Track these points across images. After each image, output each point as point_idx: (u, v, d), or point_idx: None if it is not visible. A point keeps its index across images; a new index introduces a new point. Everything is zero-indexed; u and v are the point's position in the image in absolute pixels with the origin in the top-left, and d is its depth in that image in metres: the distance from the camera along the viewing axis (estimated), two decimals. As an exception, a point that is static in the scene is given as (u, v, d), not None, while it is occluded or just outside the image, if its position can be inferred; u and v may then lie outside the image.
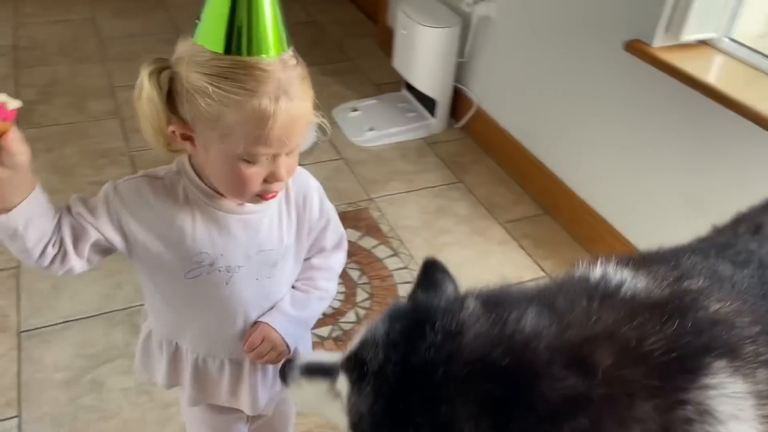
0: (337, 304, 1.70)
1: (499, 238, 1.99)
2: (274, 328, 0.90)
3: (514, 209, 2.12)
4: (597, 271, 0.67)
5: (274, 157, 0.75)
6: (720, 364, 0.56)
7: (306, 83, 0.76)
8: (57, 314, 1.61)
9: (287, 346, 0.91)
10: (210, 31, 0.72)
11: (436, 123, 2.45)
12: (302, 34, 3.14)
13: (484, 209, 2.10)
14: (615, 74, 1.78)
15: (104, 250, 0.83)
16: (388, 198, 2.12)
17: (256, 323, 0.90)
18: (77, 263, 0.80)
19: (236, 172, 0.75)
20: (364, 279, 1.79)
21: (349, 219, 2.00)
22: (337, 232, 0.98)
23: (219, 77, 0.71)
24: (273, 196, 0.81)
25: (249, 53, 0.71)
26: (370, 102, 2.57)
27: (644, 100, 1.71)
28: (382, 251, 1.89)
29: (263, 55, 0.71)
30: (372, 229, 1.97)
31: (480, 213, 2.09)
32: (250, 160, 0.74)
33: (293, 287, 0.94)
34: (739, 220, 0.90)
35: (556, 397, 0.55)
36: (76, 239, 0.79)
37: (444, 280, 0.75)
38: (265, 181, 0.77)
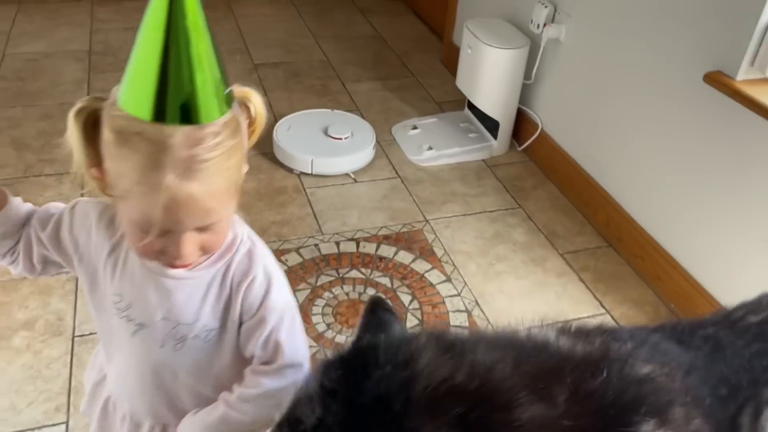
0: (386, 329, 1.67)
1: (557, 270, 1.91)
2: None
3: (575, 239, 2.04)
4: (522, 329, 0.63)
5: (171, 232, 0.70)
6: (647, 426, 0.52)
7: (225, 160, 0.68)
8: (110, 321, 1.63)
9: None
10: (126, 85, 0.66)
11: (497, 145, 2.39)
12: (366, 48, 3.13)
13: (544, 237, 2.03)
14: (691, 106, 1.68)
15: (53, 262, 0.86)
16: (444, 220, 2.07)
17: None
18: (27, 272, 0.86)
19: (134, 236, 0.72)
20: (415, 304, 1.75)
21: (402, 240, 1.96)
22: (275, 346, 0.81)
23: (121, 137, 0.67)
24: (183, 267, 0.76)
25: (151, 118, 0.64)
26: (431, 120, 2.53)
27: (723, 135, 1.61)
28: (435, 276, 1.85)
29: (166, 124, 0.64)
30: (426, 252, 1.93)
31: (539, 241, 2.02)
32: (143, 230, 0.69)
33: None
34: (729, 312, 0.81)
35: (531, 424, 0.50)
36: (26, 251, 0.84)
37: (391, 321, 0.65)
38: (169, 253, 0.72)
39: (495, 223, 2.08)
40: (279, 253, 1.87)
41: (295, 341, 0.83)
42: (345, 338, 1.64)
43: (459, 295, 1.80)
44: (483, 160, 2.38)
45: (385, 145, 2.40)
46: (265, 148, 2.29)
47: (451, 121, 2.53)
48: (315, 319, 1.68)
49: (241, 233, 0.83)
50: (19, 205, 0.84)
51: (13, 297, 1.66)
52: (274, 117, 2.46)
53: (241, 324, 0.82)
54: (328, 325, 1.67)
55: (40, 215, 0.85)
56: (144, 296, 0.80)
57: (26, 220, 0.85)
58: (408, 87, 2.82)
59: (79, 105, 0.71)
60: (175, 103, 0.64)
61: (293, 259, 1.86)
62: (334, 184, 2.18)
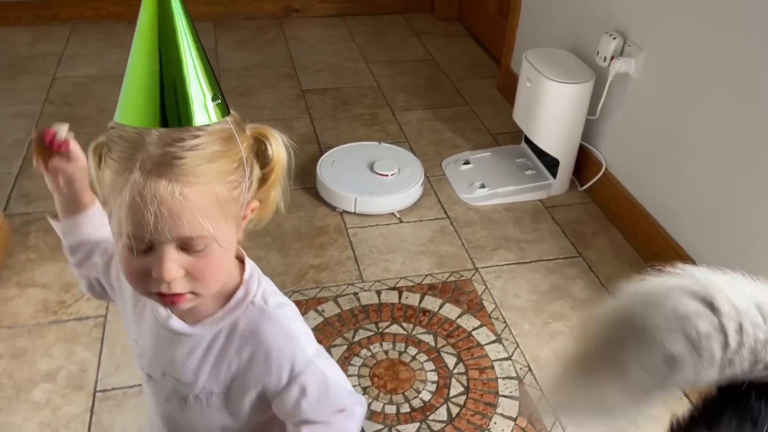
0: (427, 396, 1.52)
1: (621, 332, 1.72)
2: None
3: (642, 296, 1.84)
4: None
5: (152, 249, 0.65)
6: None
7: (203, 162, 0.64)
8: (134, 376, 1.53)
9: None
10: (120, 99, 0.65)
11: (556, 184, 2.21)
12: (419, 73, 3.00)
13: (606, 293, 1.84)
14: (784, 158, 1.48)
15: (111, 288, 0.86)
16: (495, 269, 1.91)
17: None
18: (88, 291, 0.90)
19: (123, 260, 0.68)
20: (461, 368, 1.60)
21: (449, 291, 1.81)
22: (328, 404, 0.76)
23: (107, 147, 0.66)
24: (174, 301, 0.68)
25: (127, 121, 0.63)
26: (485, 154, 2.37)
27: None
28: (483, 335, 1.69)
29: (140, 125, 0.63)
30: (474, 306, 1.77)
31: (601, 297, 1.83)
32: (128, 246, 0.64)
33: None
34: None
35: None
36: (86, 270, 0.88)
37: None
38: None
39: (552, 275, 1.90)
40: (316, 302, 1.75)
41: (329, 394, 0.76)
42: (382, 405, 1.50)
43: (510, 358, 1.63)
44: (540, 201, 2.20)
45: (434, 181, 2.25)
46: (307, 183, 2.18)
47: (506, 155, 2.36)
48: (350, 380, 1.54)
49: (254, 291, 0.75)
50: (96, 225, 0.86)
51: (38, 344, 1.60)
52: (320, 149, 2.35)
53: (272, 396, 0.75)
54: (365, 389, 1.53)
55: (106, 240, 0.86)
56: (151, 346, 0.78)
57: (96, 244, 0.86)
58: (461, 116, 2.66)
59: (99, 139, 0.69)
60: (157, 107, 0.62)
61: (330, 309, 1.74)
62: (378, 224, 2.04)
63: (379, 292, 1.80)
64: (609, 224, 2.11)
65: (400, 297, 1.79)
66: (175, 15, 0.62)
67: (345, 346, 1.63)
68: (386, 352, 1.63)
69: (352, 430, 0.77)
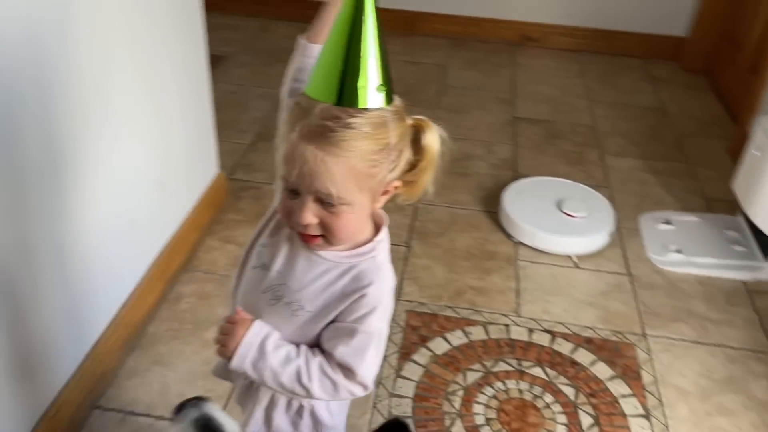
0: (549, 449, 1.45)
1: (800, 451, 1.47)
2: (249, 329, 0.85)
3: (841, 420, 1.55)
4: None
5: (299, 195, 0.78)
6: None
7: (351, 140, 0.75)
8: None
9: (233, 353, 0.85)
10: (311, 75, 0.79)
11: (767, 268, 1.95)
12: (642, 120, 2.83)
13: (794, 403, 1.59)
14: None
15: None
16: (666, 341, 1.75)
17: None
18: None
19: (281, 197, 0.83)
20: (596, 431, 1.49)
21: (607, 350, 1.70)
22: (349, 354, 0.84)
23: (294, 107, 0.80)
24: (308, 240, 0.82)
25: (312, 94, 0.77)
26: (691, 218, 2.17)
27: None
28: (631, 405, 1.56)
29: (319, 99, 0.76)
30: (630, 373, 1.64)
31: (786, 406, 1.58)
32: (282, 186, 0.80)
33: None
34: None
35: None
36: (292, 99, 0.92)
37: None
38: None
39: (733, 364, 1.69)
40: (465, 323, 1.76)
41: (367, 360, 0.85)
42: (500, 441, 1.46)
43: (653, 438, 1.49)
44: (743, 282, 1.96)
45: (625, 234, 2.12)
46: (491, 207, 2.19)
47: (716, 224, 2.14)
48: (476, 408, 1.53)
49: (380, 257, 0.87)
50: None
51: (222, 292, 1.82)
52: (514, 177, 2.34)
53: (332, 321, 0.86)
54: (488, 421, 1.51)
55: None
56: (277, 245, 0.89)
57: None
58: (677, 173, 2.47)
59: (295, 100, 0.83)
60: (336, 88, 0.75)
61: (477, 333, 1.73)
62: (552, 263, 1.98)
63: (531, 331, 1.75)
64: (824, 328, 1.81)
65: (552, 341, 1.72)
66: (366, 14, 0.75)
67: (481, 374, 1.62)
68: (521, 391, 1.58)
69: (342, 393, 0.86)
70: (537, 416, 1.53)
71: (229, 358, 0.85)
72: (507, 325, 1.76)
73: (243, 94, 2.84)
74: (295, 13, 3.58)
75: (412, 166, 0.83)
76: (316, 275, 0.86)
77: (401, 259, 1.95)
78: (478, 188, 2.31)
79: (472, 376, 1.61)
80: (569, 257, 1.99)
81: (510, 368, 1.64)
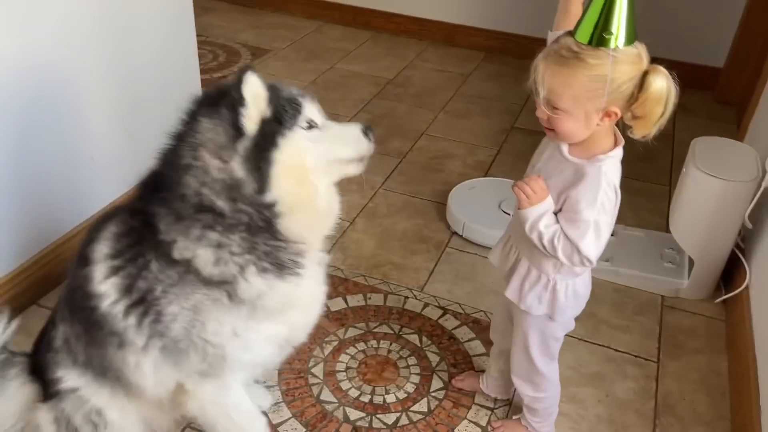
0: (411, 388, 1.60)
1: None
2: (549, 196, 1.17)
3: None
4: None
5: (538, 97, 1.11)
6: None
7: (573, 67, 1.05)
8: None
9: (534, 204, 1.16)
10: (580, 21, 1.08)
11: (689, 287, 1.96)
12: (646, 144, 2.82)
13: (652, 406, 1.62)
14: None
15: None
16: (553, 335, 1.82)
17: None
18: None
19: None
20: (442, 394, 1.62)
21: (488, 331, 1.81)
22: (573, 236, 1.14)
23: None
24: (546, 131, 1.16)
25: (577, 37, 1.06)
26: (637, 233, 2.19)
27: None
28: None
29: (580, 40, 1.05)
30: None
31: (644, 410, 1.62)
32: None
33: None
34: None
35: None
36: None
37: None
38: None
39: (607, 363, 1.74)
40: (369, 289, 1.93)
41: (586, 241, 1.14)
42: (357, 395, 1.63)
43: (491, 410, 1.59)
44: (662, 296, 1.98)
45: (564, 240, 2.19)
46: (445, 200, 2.33)
47: (659, 242, 2.15)
48: (342, 357, 1.71)
49: (606, 167, 1.14)
50: None
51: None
52: (482, 176, 2.46)
53: (564, 200, 1.17)
54: (347, 369, 1.69)
55: None
56: (544, 151, 1.24)
57: None
58: (651, 194, 2.47)
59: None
60: (590, 32, 1.05)
61: (376, 299, 1.90)
62: (476, 253, 2.11)
63: (426, 305, 1.90)
64: (723, 350, 1.80)
65: (441, 317, 1.86)
66: None
67: (362, 332, 1.79)
68: (389, 351, 1.74)
69: (575, 259, 1.16)
70: (393, 373, 1.68)
71: (524, 208, 1.17)
72: (407, 297, 1.92)
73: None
74: (347, 19, 3.91)
75: (633, 100, 1.07)
76: (558, 170, 1.17)
77: (339, 231, 2.16)
78: (443, 183, 2.46)
79: (352, 332, 1.80)
80: (495, 251, 2.10)
81: (390, 331, 1.80)
